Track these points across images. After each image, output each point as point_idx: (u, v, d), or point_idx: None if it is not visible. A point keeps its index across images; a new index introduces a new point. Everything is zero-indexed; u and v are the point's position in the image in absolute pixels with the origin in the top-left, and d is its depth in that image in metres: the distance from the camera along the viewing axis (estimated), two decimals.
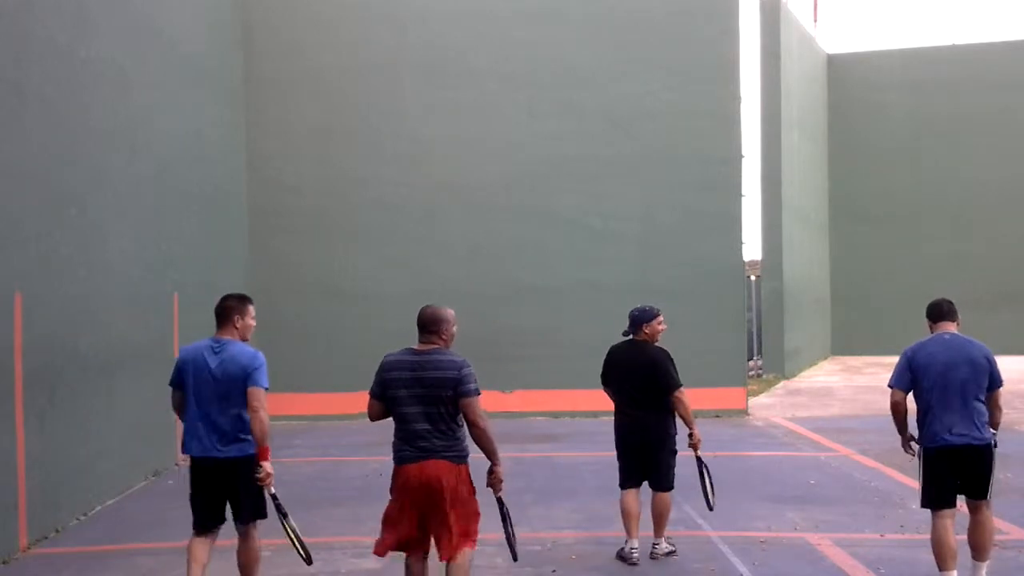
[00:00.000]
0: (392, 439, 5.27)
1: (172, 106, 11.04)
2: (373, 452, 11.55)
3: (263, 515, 5.75)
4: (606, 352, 7.19)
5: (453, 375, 5.07)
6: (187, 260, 11.37)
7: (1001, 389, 6.10)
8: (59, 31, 8.23)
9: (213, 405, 5.54)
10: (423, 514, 5.16)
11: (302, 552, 5.70)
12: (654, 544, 6.91)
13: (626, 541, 6.86)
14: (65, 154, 8.30)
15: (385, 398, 5.19)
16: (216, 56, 13.18)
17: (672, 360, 6.92)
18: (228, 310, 5.70)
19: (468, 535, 5.17)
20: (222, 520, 5.82)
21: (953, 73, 25.66)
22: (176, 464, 10.86)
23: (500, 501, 5.34)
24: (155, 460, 10.32)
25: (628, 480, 6.92)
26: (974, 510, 6.04)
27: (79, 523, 8.14)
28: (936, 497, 5.93)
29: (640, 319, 7.02)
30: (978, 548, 6.00)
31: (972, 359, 5.97)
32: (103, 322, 8.94)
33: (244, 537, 5.79)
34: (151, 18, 10.58)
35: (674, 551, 6.94)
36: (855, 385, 18.77)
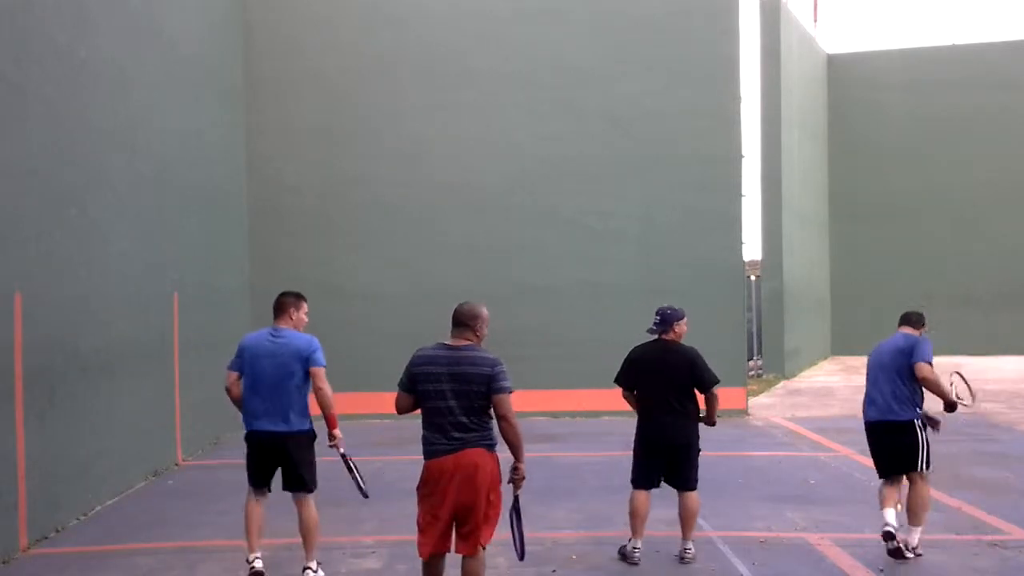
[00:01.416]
0: (422, 433, 5.30)
1: (172, 106, 11.04)
2: (374, 452, 11.54)
3: (315, 485, 6.38)
4: (629, 352, 7.09)
5: (487, 371, 5.17)
6: (187, 260, 11.37)
7: (923, 363, 6.78)
8: (59, 31, 8.23)
9: (271, 385, 6.24)
10: (456, 508, 5.17)
11: (362, 485, 6.41)
12: (686, 549, 6.77)
13: (629, 540, 6.84)
14: (65, 154, 8.29)
15: (416, 392, 5.26)
16: (216, 56, 13.18)
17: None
18: (285, 304, 6.56)
19: (490, 529, 5.23)
20: (268, 486, 6.43)
21: (953, 73, 25.68)
22: (176, 464, 10.86)
23: (517, 499, 5.38)
24: (155, 460, 10.31)
25: (646, 481, 6.86)
26: (910, 482, 6.90)
27: (79, 523, 8.13)
28: (876, 466, 7.11)
29: (672, 318, 6.98)
30: (911, 512, 6.82)
31: (896, 347, 6.91)
32: (103, 322, 8.93)
33: (301, 506, 6.33)
34: (151, 18, 10.58)
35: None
36: (855, 385, 18.72)
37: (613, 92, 14.96)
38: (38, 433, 7.49)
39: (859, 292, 25.73)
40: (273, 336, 6.39)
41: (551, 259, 14.90)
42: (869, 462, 10.55)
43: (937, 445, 11.63)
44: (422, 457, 5.32)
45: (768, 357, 21.22)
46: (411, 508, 5.43)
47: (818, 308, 25.15)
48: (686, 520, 6.80)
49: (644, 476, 6.87)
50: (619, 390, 7.17)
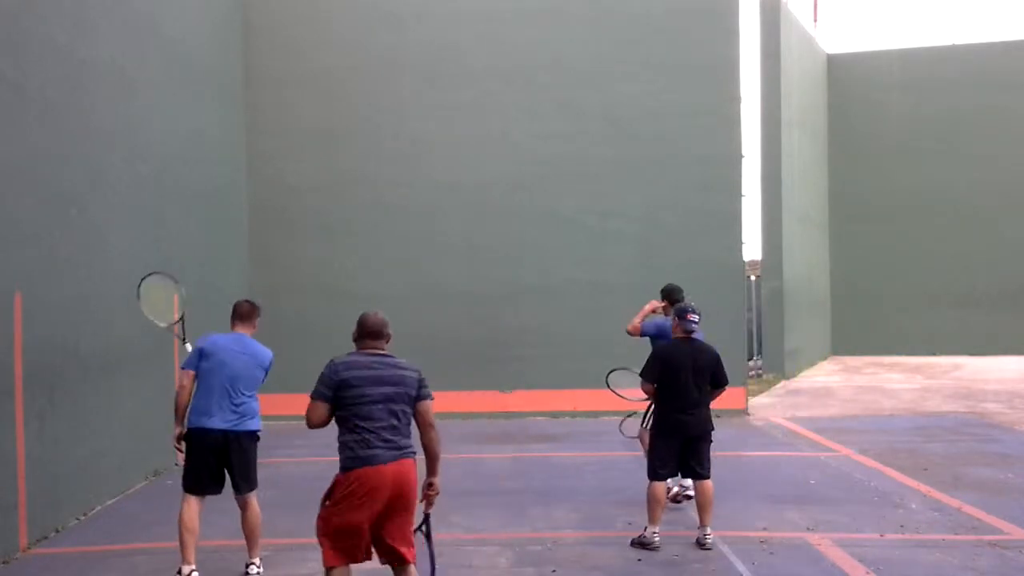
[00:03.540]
0: (342, 441, 5.17)
1: (172, 106, 11.03)
2: None
3: (257, 485, 6.59)
4: (656, 349, 7.51)
5: (416, 376, 5.21)
6: (187, 260, 11.36)
7: None
8: (59, 31, 8.23)
9: (231, 387, 6.41)
10: (385, 519, 5.06)
11: None
12: (705, 534, 7.10)
13: (646, 528, 7.12)
14: (65, 154, 8.29)
15: (340, 399, 5.11)
16: (216, 56, 13.17)
17: None
18: (252, 313, 6.79)
19: (412, 542, 5.17)
20: (220, 488, 6.55)
21: (953, 73, 25.66)
22: (176, 464, 10.85)
23: (428, 518, 5.34)
24: (155, 460, 10.31)
25: (667, 471, 7.22)
26: None
27: (79, 523, 8.14)
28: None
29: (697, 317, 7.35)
30: None
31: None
32: (103, 322, 8.94)
33: (246, 505, 6.54)
34: (151, 18, 10.57)
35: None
36: (855, 385, 18.76)
37: (613, 92, 14.95)
38: (38, 433, 7.49)
39: (859, 292, 25.70)
40: (237, 341, 6.61)
41: (551, 259, 14.89)
42: (869, 462, 10.64)
43: (937, 445, 11.68)
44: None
45: (768, 357, 21.20)
46: None
47: (818, 308, 25.13)
48: (704, 507, 7.16)
49: (667, 467, 7.21)
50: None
